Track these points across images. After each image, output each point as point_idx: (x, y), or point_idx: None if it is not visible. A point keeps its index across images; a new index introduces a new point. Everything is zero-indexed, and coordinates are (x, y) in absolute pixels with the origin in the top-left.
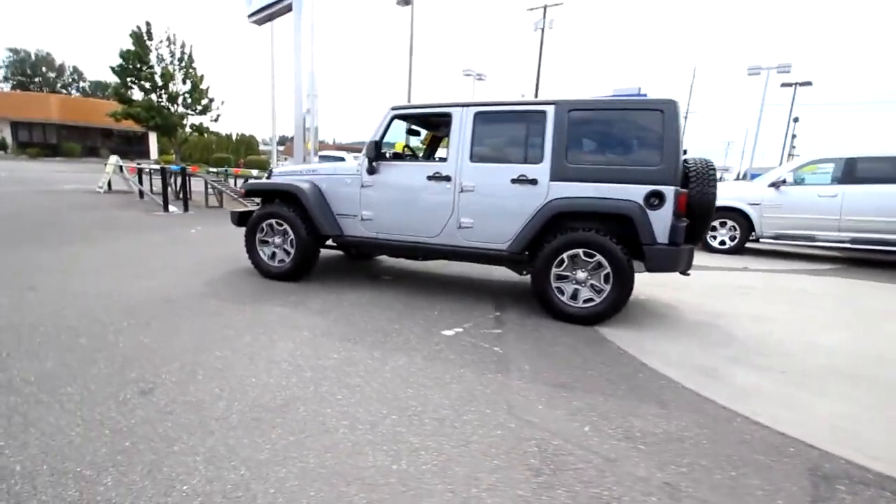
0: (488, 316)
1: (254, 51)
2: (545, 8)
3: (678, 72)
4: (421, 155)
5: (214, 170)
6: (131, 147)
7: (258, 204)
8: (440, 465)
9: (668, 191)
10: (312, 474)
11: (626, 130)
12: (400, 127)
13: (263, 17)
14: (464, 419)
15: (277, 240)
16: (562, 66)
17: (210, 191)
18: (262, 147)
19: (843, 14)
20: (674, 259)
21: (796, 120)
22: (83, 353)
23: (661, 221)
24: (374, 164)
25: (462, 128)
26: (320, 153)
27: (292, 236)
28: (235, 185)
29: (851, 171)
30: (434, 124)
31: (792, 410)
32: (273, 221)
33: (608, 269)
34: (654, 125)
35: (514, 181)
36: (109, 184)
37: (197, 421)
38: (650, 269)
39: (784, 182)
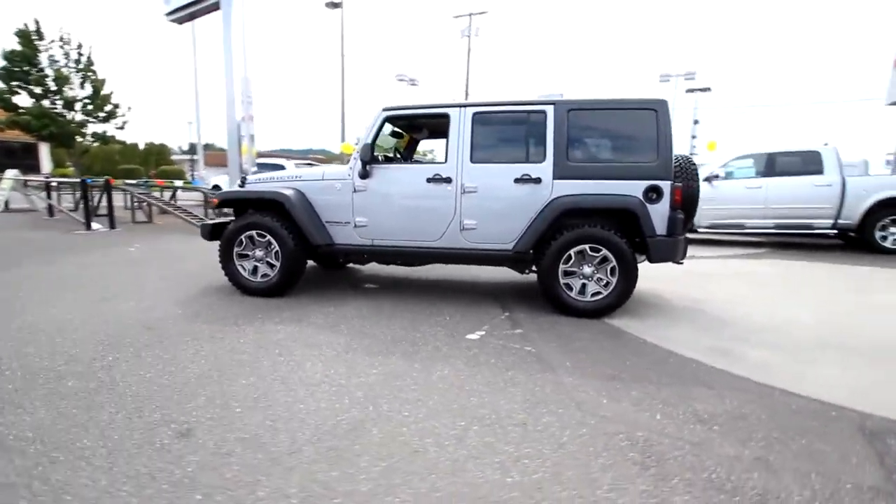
0: (500, 317)
1: (163, 53)
2: (471, 16)
3: (597, 77)
4: (397, 157)
5: (133, 182)
6: (18, 160)
7: (226, 214)
8: (551, 472)
9: (665, 185)
10: (430, 499)
11: (622, 129)
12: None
13: (184, 15)
14: (543, 422)
15: (259, 253)
16: (490, 71)
17: (136, 205)
18: (174, 157)
19: (737, 28)
20: (673, 249)
21: (696, 122)
22: (79, 397)
23: (660, 214)
24: (367, 167)
25: (461, 128)
26: (257, 161)
27: (277, 248)
28: (162, 196)
29: (772, 165)
30: (426, 126)
31: (811, 380)
32: (254, 233)
33: (613, 263)
34: (649, 123)
35: (517, 181)
36: (7, 203)
37: (266, 459)
38: (652, 260)
39: (717, 177)
